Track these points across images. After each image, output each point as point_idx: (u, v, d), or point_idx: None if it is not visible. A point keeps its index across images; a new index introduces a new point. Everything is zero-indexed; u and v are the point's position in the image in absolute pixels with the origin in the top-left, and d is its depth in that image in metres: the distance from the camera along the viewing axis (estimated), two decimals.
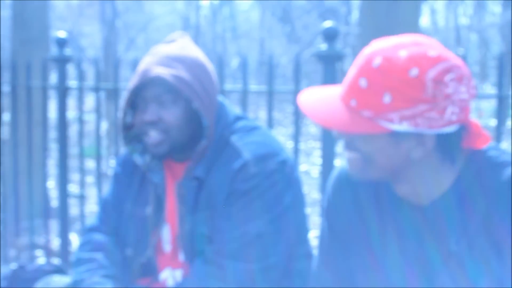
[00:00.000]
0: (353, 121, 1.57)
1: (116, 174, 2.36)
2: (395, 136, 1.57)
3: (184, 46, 2.16)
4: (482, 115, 14.86)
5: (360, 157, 1.64)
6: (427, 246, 1.68)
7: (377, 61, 1.56)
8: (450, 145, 1.60)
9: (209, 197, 2.12)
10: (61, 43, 3.85)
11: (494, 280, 1.61)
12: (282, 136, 10.97)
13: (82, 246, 2.34)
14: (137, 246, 2.27)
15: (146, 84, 2.09)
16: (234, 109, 2.24)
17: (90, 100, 7.48)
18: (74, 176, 6.34)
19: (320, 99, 1.66)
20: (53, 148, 5.79)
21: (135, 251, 2.27)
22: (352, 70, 1.62)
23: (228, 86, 3.33)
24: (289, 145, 3.54)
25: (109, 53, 12.07)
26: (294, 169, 2.16)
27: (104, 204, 2.37)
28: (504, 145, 2.58)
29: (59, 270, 3.06)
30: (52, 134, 5.14)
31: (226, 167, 2.09)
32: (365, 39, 3.65)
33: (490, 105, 16.04)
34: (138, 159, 2.24)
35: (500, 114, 2.63)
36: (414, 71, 1.52)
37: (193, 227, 2.14)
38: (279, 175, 2.08)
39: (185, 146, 2.15)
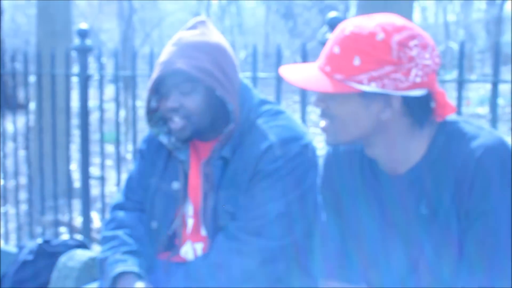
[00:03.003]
0: (326, 83, 1.58)
1: (141, 151, 2.30)
2: (365, 97, 1.57)
3: (204, 32, 2.08)
4: (470, 103, 14.79)
5: (334, 123, 1.63)
6: (402, 211, 1.67)
7: (349, 29, 1.58)
8: (417, 109, 1.59)
9: (233, 176, 2.05)
10: (83, 34, 3.79)
11: (453, 245, 1.59)
12: None
13: (107, 224, 2.27)
14: (163, 219, 2.21)
15: (168, 75, 2.03)
16: (258, 93, 2.18)
17: (109, 91, 7.45)
18: (95, 160, 6.32)
19: (300, 69, 1.68)
20: (76, 134, 5.75)
21: (161, 224, 2.21)
22: (328, 43, 1.63)
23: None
24: None
25: (127, 46, 12.03)
26: (315, 153, 2.10)
27: (129, 181, 2.31)
28: (500, 128, 2.53)
29: (81, 245, 3.03)
30: (75, 121, 5.11)
31: (252, 148, 2.03)
32: None
33: (477, 94, 15.99)
34: (163, 139, 2.18)
35: (494, 98, 2.58)
36: (381, 35, 1.54)
37: (217, 204, 2.08)
38: (302, 158, 2.02)
39: (209, 128, 2.08)
